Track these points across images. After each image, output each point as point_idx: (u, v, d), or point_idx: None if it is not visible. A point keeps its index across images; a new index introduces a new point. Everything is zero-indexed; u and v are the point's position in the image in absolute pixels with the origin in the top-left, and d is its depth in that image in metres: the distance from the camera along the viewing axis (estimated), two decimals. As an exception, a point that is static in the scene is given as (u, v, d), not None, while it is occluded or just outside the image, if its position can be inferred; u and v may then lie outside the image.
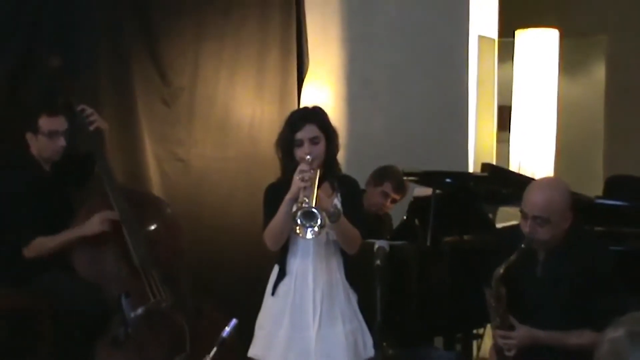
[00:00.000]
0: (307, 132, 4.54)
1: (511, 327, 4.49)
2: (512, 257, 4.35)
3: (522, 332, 4.48)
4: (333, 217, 4.40)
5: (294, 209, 4.30)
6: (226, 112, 6.95)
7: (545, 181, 4.92)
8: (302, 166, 4.40)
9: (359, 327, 4.58)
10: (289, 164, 4.59)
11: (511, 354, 4.48)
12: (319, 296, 4.53)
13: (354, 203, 4.67)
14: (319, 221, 4.23)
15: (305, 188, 4.31)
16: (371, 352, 4.57)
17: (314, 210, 4.22)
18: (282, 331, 4.55)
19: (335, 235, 4.54)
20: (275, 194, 4.60)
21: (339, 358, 4.51)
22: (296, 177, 4.37)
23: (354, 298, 4.63)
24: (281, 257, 4.64)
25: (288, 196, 4.41)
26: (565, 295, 4.34)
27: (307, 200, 4.25)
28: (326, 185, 4.59)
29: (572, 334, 4.34)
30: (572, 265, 4.34)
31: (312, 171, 4.38)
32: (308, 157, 4.46)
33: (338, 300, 4.56)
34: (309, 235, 4.26)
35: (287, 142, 4.60)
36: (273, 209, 4.53)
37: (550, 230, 4.38)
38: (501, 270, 4.48)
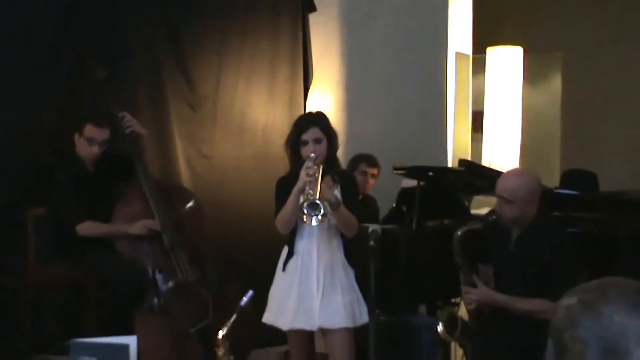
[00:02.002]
0: (312, 133, 4.56)
1: (474, 285, 4.54)
2: (476, 225, 4.40)
3: (482, 291, 4.53)
4: (334, 205, 4.43)
5: (301, 200, 4.33)
6: (243, 116, 6.94)
7: (516, 170, 4.98)
8: (307, 163, 4.41)
9: (355, 298, 4.60)
10: (296, 160, 4.61)
11: (471, 307, 4.56)
12: (321, 272, 4.55)
13: (351, 194, 4.70)
14: (321, 211, 4.26)
15: (310, 182, 4.34)
16: (366, 318, 4.59)
17: (317, 201, 4.26)
18: (290, 301, 4.58)
19: (335, 221, 4.56)
20: (284, 186, 4.62)
21: (338, 324, 4.53)
22: (302, 173, 4.38)
23: (351, 273, 4.65)
24: (290, 239, 4.66)
25: (295, 188, 4.43)
26: (531, 269, 4.36)
27: (312, 193, 4.28)
28: (328, 178, 4.60)
29: (523, 300, 4.36)
30: (538, 244, 4.37)
31: (315, 167, 4.40)
32: (312, 154, 4.47)
33: (338, 275, 4.58)
34: (314, 222, 4.30)
35: (294, 142, 4.62)
36: (283, 199, 4.55)
37: (514, 209, 4.40)
38: (459, 232, 4.59)
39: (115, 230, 5.52)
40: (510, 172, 4.72)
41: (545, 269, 4.31)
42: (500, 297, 4.46)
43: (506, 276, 4.50)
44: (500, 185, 4.45)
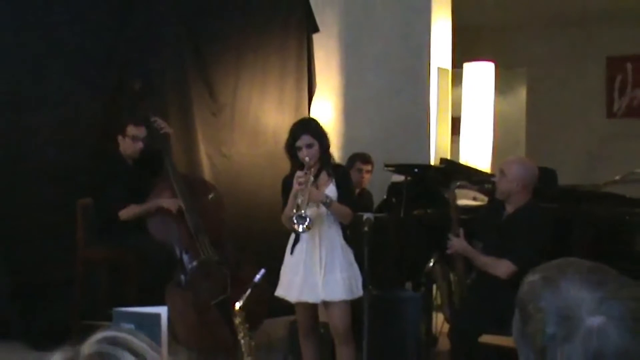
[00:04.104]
0: (304, 140, 4.53)
1: (457, 235, 4.64)
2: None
3: (460, 242, 4.64)
4: (326, 204, 4.46)
5: (292, 213, 4.35)
6: (257, 121, 6.95)
7: (520, 156, 5.06)
8: (298, 173, 4.42)
9: (353, 274, 4.59)
10: (294, 162, 4.61)
11: (449, 252, 4.71)
12: (323, 253, 4.55)
13: (345, 186, 4.68)
14: (307, 221, 4.29)
15: (301, 190, 4.36)
16: (362, 291, 4.62)
17: (304, 214, 4.29)
18: (298, 278, 4.58)
19: (331, 213, 4.58)
20: (287, 183, 4.63)
21: (339, 296, 4.54)
22: (294, 182, 4.40)
23: (350, 253, 4.63)
24: None
25: (291, 194, 4.44)
26: (513, 239, 4.40)
27: (300, 206, 4.30)
28: (324, 174, 4.62)
29: (485, 256, 4.49)
30: (521, 223, 4.42)
31: (307, 174, 4.40)
32: (307, 158, 4.49)
33: (337, 255, 4.57)
34: (301, 229, 4.34)
35: (291, 147, 4.61)
36: (287, 194, 4.56)
37: (505, 182, 4.47)
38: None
39: (150, 206, 5.55)
40: (516, 156, 4.89)
41: (520, 239, 4.37)
42: (470, 250, 4.58)
43: (491, 248, 4.54)
44: (503, 161, 4.59)
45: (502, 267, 4.35)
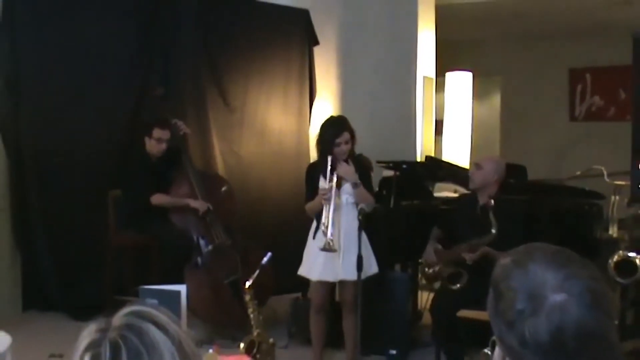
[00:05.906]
0: (344, 137, 4.50)
1: (472, 250, 4.43)
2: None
3: (474, 254, 4.39)
4: (355, 185, 4.48)
5: (320, 246, 4.38)
6: (264, 122, 6.94)
7: (495, 156, 5.00)
8: (321, 190, 4.42)
9: (367, 256, 4.47)
10: (324, 155, 4.51)
11: (469, 262, 4.41)
12: (342, 238, 4.49)
13: (364, 175, 4.65)
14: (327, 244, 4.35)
15: (327, 203, 4.38)
16: (376, 269, 4.61)
17: (332, 246, 4.35)
18: (320, 259, 4.51)
19: (355, 197, 4.52)
20: (312, 170, 4.63)
21: (354, 276, 4.37)
22: (320, 197, 4.42)
23: (364, 237, 4.48)
24: (317, 215, 4.56)
25: (317, 199, 4.45)
26: (486, 227, 4.40)
27: (327, 233, 4.33)
28: (351, 163, 4.57)
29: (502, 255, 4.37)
30: (497, 212, 4.41)
31: (329, 188, 4.39)
32: (342, 156, 4.47)
33: (354, 239, 4.37)
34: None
35: (330, 142, 4.49)
36: (311, 181, 4.56)
37: (480, 175, 4.47)
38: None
39: (180, 201, 5.56)
40: (490, 154, 4.88)
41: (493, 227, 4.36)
42: (491, 252, 4.33)
43: (470, 232, 4.52)
44: (479, 157, 4.60)
45: None
